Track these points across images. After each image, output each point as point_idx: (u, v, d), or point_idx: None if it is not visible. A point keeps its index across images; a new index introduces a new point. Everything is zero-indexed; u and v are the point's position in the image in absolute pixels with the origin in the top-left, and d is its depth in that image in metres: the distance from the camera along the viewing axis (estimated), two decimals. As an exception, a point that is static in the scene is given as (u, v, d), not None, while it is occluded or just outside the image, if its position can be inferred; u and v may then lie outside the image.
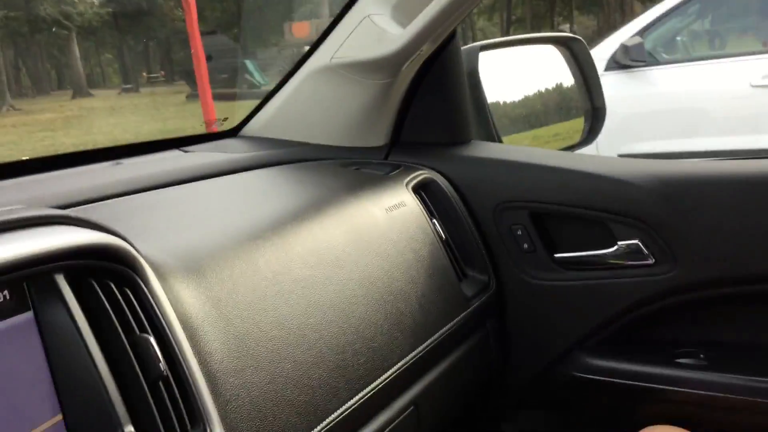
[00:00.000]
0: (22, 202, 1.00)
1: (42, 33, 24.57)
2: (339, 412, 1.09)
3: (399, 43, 1.47)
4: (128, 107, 19.56)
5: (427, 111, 1.68)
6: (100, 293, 0.82)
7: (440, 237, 1.47)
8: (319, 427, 1.05)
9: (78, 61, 25.04)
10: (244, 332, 1.02)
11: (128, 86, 26.22)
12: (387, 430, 1.21)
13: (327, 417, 1.07)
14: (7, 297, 0.75)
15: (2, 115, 19.57)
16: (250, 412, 0.97)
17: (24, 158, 1.36)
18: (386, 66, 1.54)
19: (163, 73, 28.73)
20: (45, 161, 1.38)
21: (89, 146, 11.19)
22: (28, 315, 0.77)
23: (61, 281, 0.79)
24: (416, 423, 1.30)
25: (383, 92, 1.60)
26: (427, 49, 1.55)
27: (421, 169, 1.57)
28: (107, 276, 0.85)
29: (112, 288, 0.84)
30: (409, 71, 1.60)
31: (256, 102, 1.75)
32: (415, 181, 1.52)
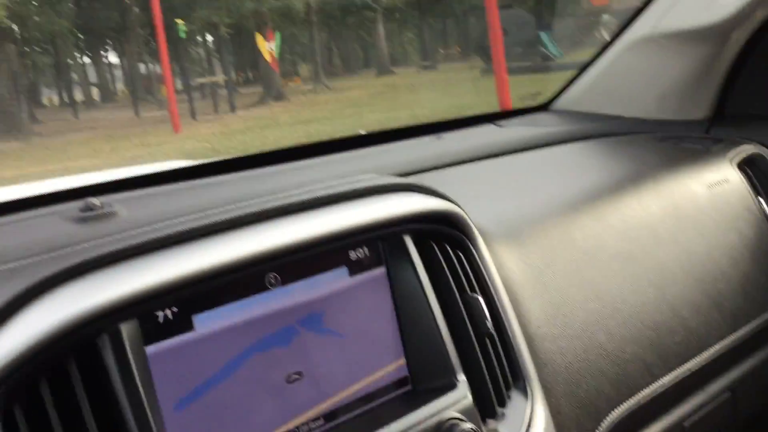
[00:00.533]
0: (363, 171, 1.14)
1: (352, 16, 26.60)
2: (651, 388, 1.09)
3: (730, 9, 1.39)
4: (426, 84, 20.48)
5: (757, 80, 1.56)
6: (439, 254, 0.92)
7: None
8: (630, 401, 1.06)
9: (383, 41, 26.74)
10: (560, 301, 1.06)
11: (426, 63, 27.42)
12: (700, 412, 1.18)
13: (639, 391, 1.07)
14: (367, 253, 0.87)
15: (317, 93, 21.65)
16: (565, 377, 1.01)
17: (361, 133, 1.53)
18: (714, 34, 1.46)
19: (458, 49, 29.57)
20: (376, 135, 1.54)
21: (391, 121, 11.94)
22: (382, 269, 0.88)
23: (409, 242, 0.89)
24: (732, 409, 1.25)
25: (708, 62, 1.52)
26: (760, 14, 1.43)
27: (748, 143, 1.47)
28: (444, 239, 0.94)
29: (447, 250, 0.93)
30: (738, 38, 1.50)
31: (549, 75, 1.76)
32: (740, 157, 1.43)
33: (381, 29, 26.38)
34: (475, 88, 16.36)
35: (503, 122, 1.69)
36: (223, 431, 0.73)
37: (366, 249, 0.87)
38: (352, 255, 0.85)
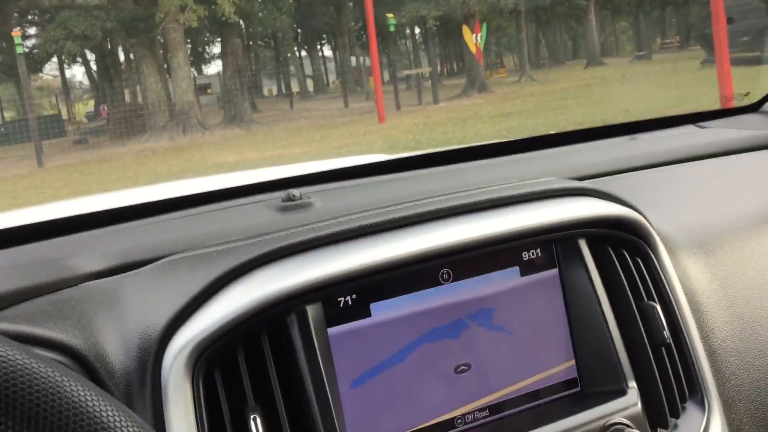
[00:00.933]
0: (547, 172, 1.15)
1: (562, 5, 25.95)
2: None
3: None
4: (639, 75, 19.51)
5: None
6: (615, 260, 0.92)
7: None
8: None
9: (594, 30, 25.81)
10: (749, 314, 1.01)
11: (641, 53, 26.09)
12: None
13: None
14: (539, 254, 0.89)
15: (521, 85, 21.41)
16: (749, 394, 0.97)
17: (551, 132, 1.52)
18: None
19: (677, 38, 27.80)
20: (567, 135, 1.53)
21: (598, 115, 11.53)
22: (554, 271, 0.90)
23: (583, 246, 0.90)
24: None
25: None
26: None
27: None
28: (621, 245, 0.93)
29: (625, 256, 0.93)
30: None
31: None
32: None
33: (592, 18, 25.46)
34: (693, 80, 15.35)
35: (706, 123, 1.61)
36: (393, 411, 0.79)
37: (539, 250, 0.89)
38: (525, 255, 0.88)
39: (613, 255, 0.92)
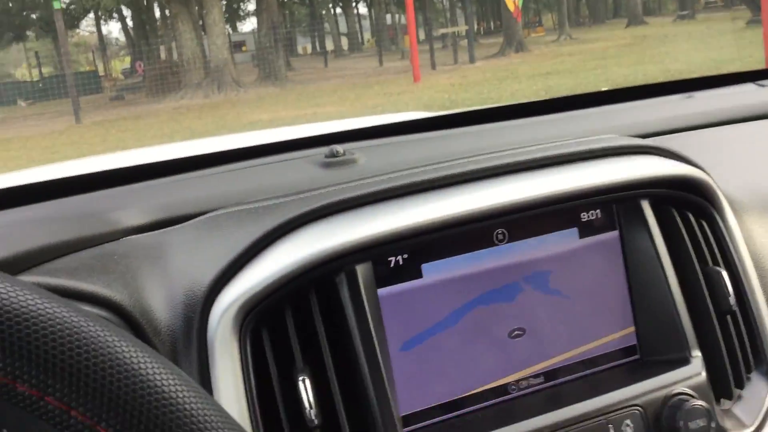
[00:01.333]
0: (602, 130, 1.09)
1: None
2: None
3: None
4: (681, 35, 18.97)
5: None
6: (679, 222, 0.87)
7: None
8: None
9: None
10: None
11: (684, 13, 25.35)
12: None
13: None
14: (599, 216, 0.84)
15: (560, 44, 20.97)
16: None
17: (602, 89, 1.46)
18: None
19: (723, -4, 26.93)
20: (621, 92, 1.47)
21: (639, 75, 11.25)
22: (614, 233, 0.85)
23: (646, 207, 0.85)
24: None
25: None
26: None
27: None
28: (686, 206, 0.88)
29: (689, 218, 0.88)
30: None
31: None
32: None
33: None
34: (737, 40, 14.89)
35: (766, 82, 1.53)
36: (445, 376, 0.76)
37: (599, 211, 0.84)
38: (584, 216, 0.83)
39: (677, 217, 0.87)
